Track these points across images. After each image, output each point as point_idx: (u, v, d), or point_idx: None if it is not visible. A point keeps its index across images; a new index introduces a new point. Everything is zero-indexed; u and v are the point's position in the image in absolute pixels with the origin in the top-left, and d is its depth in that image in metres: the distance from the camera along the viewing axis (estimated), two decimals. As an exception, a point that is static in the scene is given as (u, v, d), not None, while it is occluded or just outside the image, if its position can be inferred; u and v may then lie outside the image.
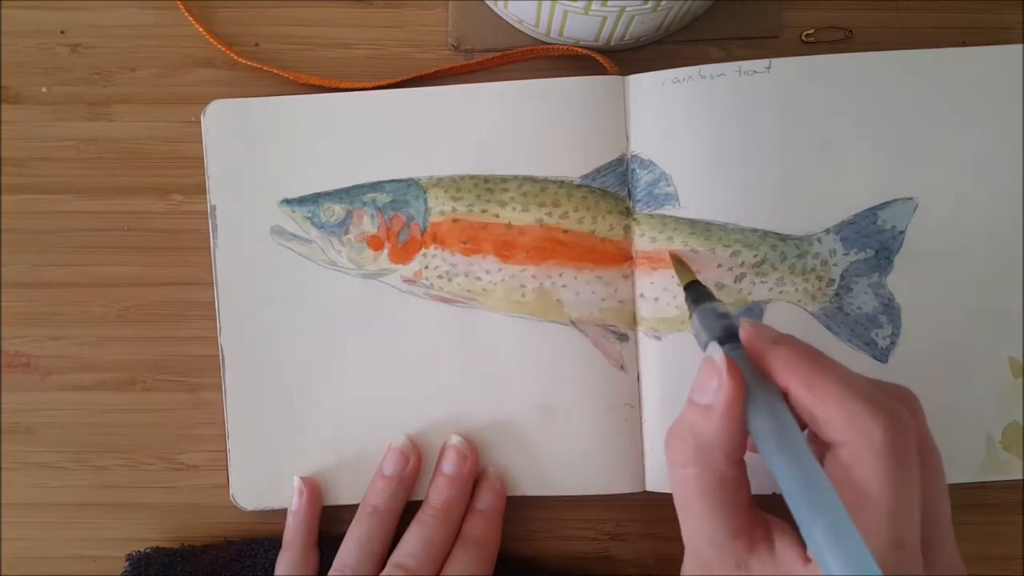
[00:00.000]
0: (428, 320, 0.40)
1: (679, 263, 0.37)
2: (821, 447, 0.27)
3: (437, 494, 0.38)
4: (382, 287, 0.40)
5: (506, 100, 0.40)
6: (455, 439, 0.39)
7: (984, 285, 0.39)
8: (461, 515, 0.38)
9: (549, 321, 0.40)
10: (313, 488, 0.40)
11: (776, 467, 0.25)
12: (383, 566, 0.37)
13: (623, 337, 0.40)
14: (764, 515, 0.28)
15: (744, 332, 0.28)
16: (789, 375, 0.27)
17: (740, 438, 0.27)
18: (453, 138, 0.40)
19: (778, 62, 0.39)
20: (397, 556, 0.37)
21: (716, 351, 0.27)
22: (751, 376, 0.27)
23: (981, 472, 0.39)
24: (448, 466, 0.39)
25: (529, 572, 0.41)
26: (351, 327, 0.40)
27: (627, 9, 0.36)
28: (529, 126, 0.40)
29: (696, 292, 0.33)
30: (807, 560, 0.25)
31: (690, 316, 0.32)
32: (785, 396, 0.27)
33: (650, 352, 0.39)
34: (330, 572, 0.37)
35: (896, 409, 0.26)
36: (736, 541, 0.27)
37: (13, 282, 0.42)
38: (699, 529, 0.27)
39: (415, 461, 0.39)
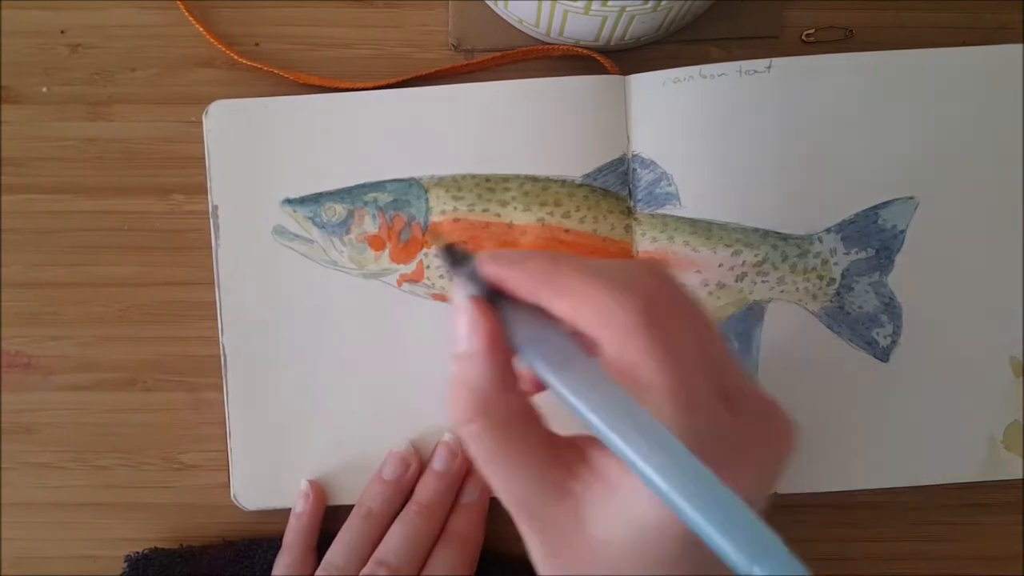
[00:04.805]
0: (429, 320, 0.40)
1: (435, 235, 0.36)
2: (594, 352, 0.25)
3: (424, 491, 0.38)
4: (383, 287, 0.40)
5: (506, 100, 0.40)
6: (448, 436, 0.39)
7: (985, 284, 0.39)
8: (446, 512, 0.38)
9: (550, 321, 0.40)
10: (319, 492, 0.40)
11: (556, 391, 0.24)
12: None
13: (624, 337, 0.40)
14: (571, 438, 0.26)
15: (484, 267, 0.26)
16: (535, 288, 0.25)
17: (511, 375, 0.25)
18: (454, 138, 0.40)
19: (779, 62, 0.39)
20: (380, 553, 0.37)
21: (458, 295, 0.25)
22: (510, 308, 0.25)
23: (983, 471, 0.39)
24: (438, 463, 0.39)
25: (529, 572, 0.41)
26: (352, 327, 0.40)
27: (627, 9, 0.36)
28: (530, 126, 0.40)
29: (453, 253, 0.28)
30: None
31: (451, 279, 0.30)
32: (548, 315, 0.25)
33: (651, 352, 0.39)
34: (317, 572, 0.37)
35: (641, 280, 0.24)
36: (549, 473, 0.25)
37: (13, 282, 0.42)
38: (511, 478, 0.25)
39: (415, 467, 0.39)
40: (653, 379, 0.23)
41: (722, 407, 0.24)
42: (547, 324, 0.25)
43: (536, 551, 0.26)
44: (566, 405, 0.23)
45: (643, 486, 0.22)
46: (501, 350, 0.25)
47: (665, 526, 0.22)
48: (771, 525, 0.45)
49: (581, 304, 0.24)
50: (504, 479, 0.25)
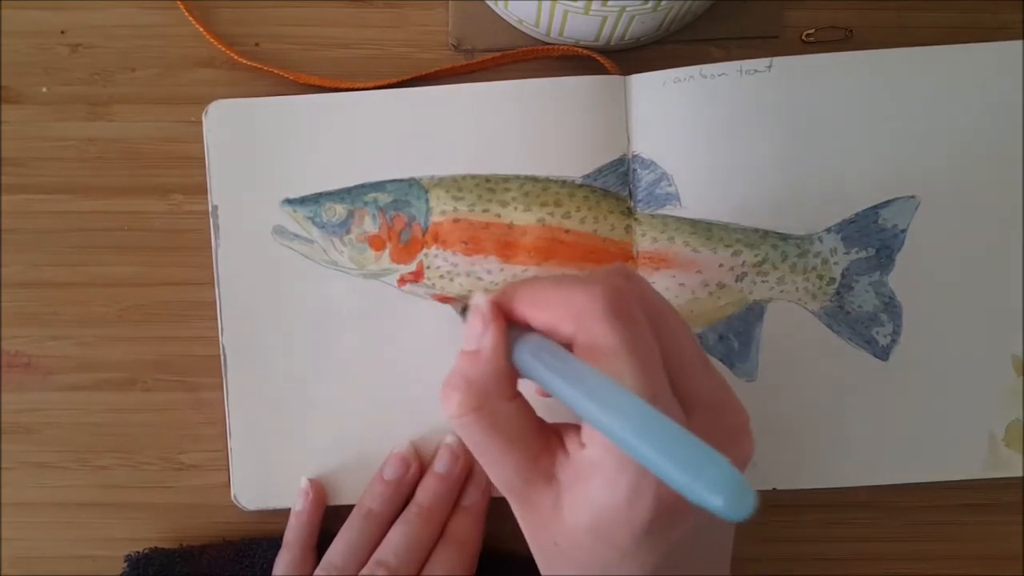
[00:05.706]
0: (429, 320, 0.40)
1: (453, 301, 0.39)
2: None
3: (425, 492, 0.38)
4: (383, 287, 0.40)
5: (506, 100, 0.40)
6: (450, 438, 0.39)
7: (986, 283, 0.39)
8: (447, 515, 0.39)
9: (550, 321, 0.40)
10: (319, 490, 0.40)
11: (545, 382, 0.26)
12: None
13: (624, 336, 0.40)
14: (556, 427, 0.29)
15: (492, 297, 0.30)
16: (525, 306, 0.28)
17: (510, 375, 0.28)
18: (454, 138, 0.40)
19: (779, 61, 0.39)
20: (380, 554, 0.37)
21: (481, 299, 0.29)
22: (514, 328, 0.29)
23: (983, 469, 0.39)
24: (440, 465, 0.39)
25: (529, 572, 0.41)
26: (352, 327, 0.40)
27: (627, 9, 0.36)
28: (530, 126, 0.40)
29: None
30: (582, 445, 0.26)
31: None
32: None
33: (651, 351, 0.39)
34: (316, 572, 0.37)
35: (606, 279, 0.27)
36: (539, 463, 0.28)
37: (13, 282, 0.42)
38: (497, 465, 0.28)
39: (416, 468, 0.39)
40: (620, 361, 0.25)
41: (675, 401, 0.26)
42: (538, 335, 0.28)
43: (523, 528, 0.29)
44: (544, 385, 0.26)
45: (607, 474, 0.25)
46: (504, 353, 0.28)
47: (621, 515, 0.25)
48: (771, 524, 0.46)
49: (557, 308, 0.27)
50: (491, 465, 0.28)
